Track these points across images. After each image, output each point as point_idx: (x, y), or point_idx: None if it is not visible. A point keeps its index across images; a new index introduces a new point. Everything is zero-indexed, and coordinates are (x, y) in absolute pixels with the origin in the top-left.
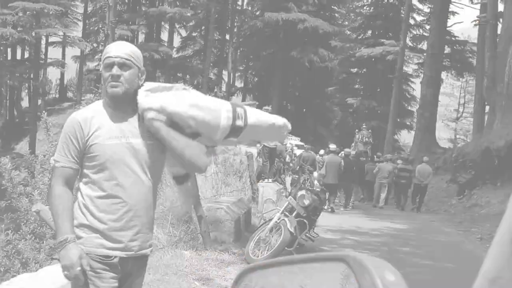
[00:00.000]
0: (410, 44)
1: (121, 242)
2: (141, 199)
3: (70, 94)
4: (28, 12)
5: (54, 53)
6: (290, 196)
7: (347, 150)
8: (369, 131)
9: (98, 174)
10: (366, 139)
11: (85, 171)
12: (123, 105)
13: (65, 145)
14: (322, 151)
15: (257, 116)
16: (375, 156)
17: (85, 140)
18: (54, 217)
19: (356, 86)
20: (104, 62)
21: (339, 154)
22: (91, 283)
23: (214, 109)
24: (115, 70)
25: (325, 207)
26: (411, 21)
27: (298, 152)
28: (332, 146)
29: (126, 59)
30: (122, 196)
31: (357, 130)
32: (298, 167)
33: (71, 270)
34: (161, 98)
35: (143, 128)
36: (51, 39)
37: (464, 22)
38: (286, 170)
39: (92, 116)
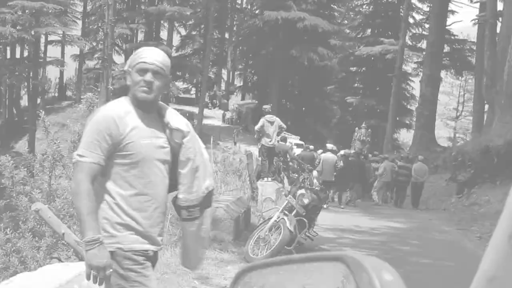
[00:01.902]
0: (409, 42)
1: (152, 238)
2: (164, 195)
3: (69, 93)
4: (27, 11)
5: (53, 51)
6: (289, 195)
7: (347, 151)
8: (368, 130)
9: (130, 172)
10: (364, 137)
11: (116, 168)
12: (150, 108)
13: (96, 141)
14: (320, 151)
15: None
16: (370, 155)
17: (121, 138)
18: (82, 214)
19: (356, 84)
20: (138, 66)
21: (337, 154)
22: (137, 276)
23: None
24: (149, 76)
25: (325, 206)
26: (411, 20)
27: (297, 151)
28: (329, 145)
29: (161, 67)
30: (152, 193)
31: (356, 128)
32: (297, 166)
33: (102, 272)
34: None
35: (164, 129)
36: (50, 38)
37: (463, 21)
38: (287, 169)
39: (125, 114)
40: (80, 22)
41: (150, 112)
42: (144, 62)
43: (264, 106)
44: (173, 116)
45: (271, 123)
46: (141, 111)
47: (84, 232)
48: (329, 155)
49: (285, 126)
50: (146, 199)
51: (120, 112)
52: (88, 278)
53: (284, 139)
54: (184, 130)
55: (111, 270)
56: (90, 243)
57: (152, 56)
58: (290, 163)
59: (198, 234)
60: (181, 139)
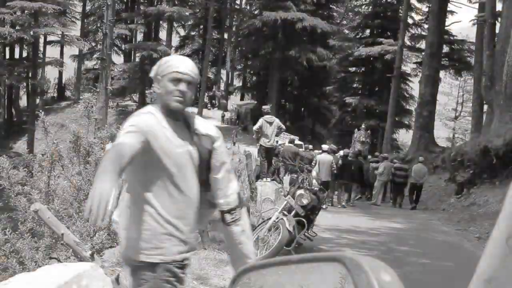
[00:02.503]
0: (408, 43)
1: (191, 243)
2: (198, 201)
3: (68, 93)
4: (26, 11)
5: (52, 52)
6: (288, 195)
7: (346, 150)
8: (368, 131)
9: (167, 181)
10: (363, 138)
11: (154, 179)
12: (178, 116)
13: (133, 127)
14: (316, 151)
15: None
16: (370, 156)
17: (156, 147)
18: (99, 173)
19: (355, 85)
20: (171, 75)
21: (336, 154)
22: None
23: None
24: (183, 87)
25: (324, 207)
26: (410, 20)
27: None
28: (325, 146)
29: (193, 77)
30: (188, 200)
31: (356, 130)
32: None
33: (103, 203)
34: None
35: (192, 136)
36: (49, 38)
37: (462, 21)
38: (294, 170)
39: (159, 122)
40: (79, 23)
41: (179, 120)
42: (179, 72)
43: (264, 107)
44: (201, 123)
45: (270, 123)
46: (170, 119)
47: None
48: (325, 156)
49: (284, 127)
50: (184, 206)
51: (154, 121)
52: (86, 213)
53: (292, 141)
54: (214, 135)
55: (109, 208)
56: (97, 180)
57: (185, 65)
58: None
59: (245, 233)
60: (210, 144)
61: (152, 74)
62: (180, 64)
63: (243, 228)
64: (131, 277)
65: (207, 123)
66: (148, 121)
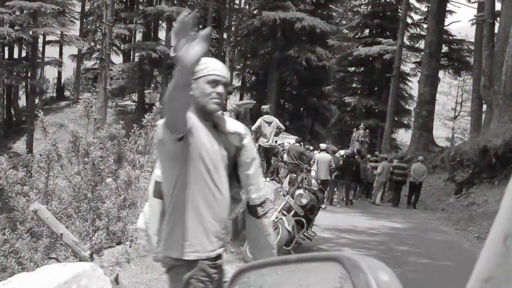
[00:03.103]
0: (407, 43)
1: (224, 240)
2: (228, 198)
3: (67, 93)
4: (25, 11)
5: (51, 52)
6: (287, 195)
7: (347, 151)
8: (366, 130)
9: (204, 179)
10: (362, 138)
11: (192, 178)
12: (209, 116)
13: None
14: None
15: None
16: (369, 156)
17: (195, 142)
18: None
19: (354, 85)
20: (208, 77)
21: (336, 154)
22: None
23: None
24: (221, 89)
25: (323, 206)
26: (409, 20)
27: None
28: (323, 145)
29: (227, 80)
30: (222, 198)
31: (355, 129)
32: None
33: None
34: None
35: (221, 135)
36: (48, 38)
37: (461, 21)
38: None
39: (195, 123)
40: (78, 22)
41: (208, 120)
42: (216, 75)
43: (263, 107)
44: (229, 121)
45: (269, 123)
46: (203, 119)
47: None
48: (323, 154)
49: (283, 127)
50: (219, 203)
51: (195, 119)
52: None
53: (299, 141)
54: (242, 133)
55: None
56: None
57: (221, 68)
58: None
59: (270, 226)
60: (239, 141)
61: None
62: (217, 67)
63: (270, 220)
64: (168, 277)
65: (235, 122)
66: (192, 117)
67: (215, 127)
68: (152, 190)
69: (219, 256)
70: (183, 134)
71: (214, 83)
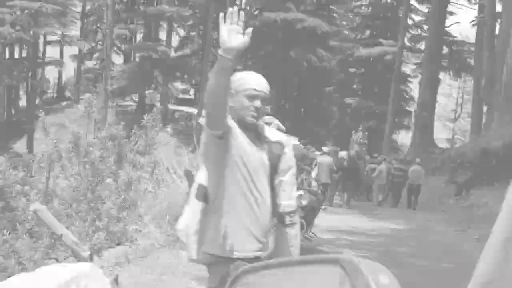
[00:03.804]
0: (408, 44)
1: (265, 244)
2: (269, 203)
3: (68, 93)
4: (26, 11)
5: (52, 52)
6: None
7: (351, 152)
8: (365, 133)
9: (244, 181)
10: (361, 140)
11: (232, 180)
12: (251, 126)
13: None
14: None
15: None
16: (368, 157)
17: (234, 144)
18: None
19: (354, 86)
20: (247, 92)
21: (342, 156)
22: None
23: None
24: (258, 103)
25: (323, 207)
26: (409, 21)
27: None
28: (325, 148)
29: (266, 94)
30: (262, 201)
31: (354, 131)
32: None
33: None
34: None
35: (263, 144)
36: (49, 38)
37: (462, 23)
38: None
39: (236, 129)
40: (79, 23)
41: (251, 129)
42: (255, 89)
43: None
44: (270, 131)
45: (269, 124)
46: (244, 129)
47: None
48: (325, 157)
49: (284, 128)
50: (258, 206)
51: (235, 124)
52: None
53: (304, 144)
54: (283, 142)
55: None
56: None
57: (260, 83)
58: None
59: (297, 237)
60: (281, 150)
61: None
62: (256, 82)
63: (297, 232)
64: (208, 274)
65: (276, 131)
66: (233, 124)
67: (258, 136)
68: (195, 193)
69: (257, 258)
70: (223, 133)
71: (252, 97)
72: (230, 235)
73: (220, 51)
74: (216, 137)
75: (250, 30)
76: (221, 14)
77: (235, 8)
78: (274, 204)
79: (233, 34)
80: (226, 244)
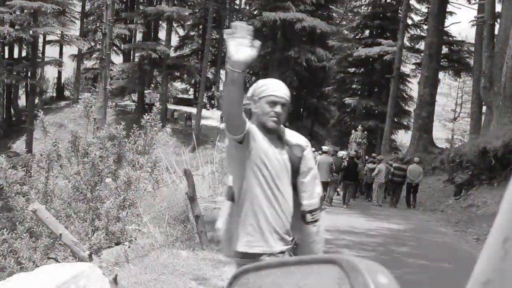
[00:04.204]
0: (407, 44)
1: (287, 240)
2: (291, 203)
3: (67, 93)
4: (25, 11)
5: (52, 51)
6: None
7: (351, 152)
8: (364, 132)
9: (268, 183)
10: (360, 139)
11: (257, 181)
12: (272, 131)
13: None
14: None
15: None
16: (367, 157)
17: (257, 147)
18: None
19: (354, 86)
20: (268, 98)
21: (341, 156)
22: None
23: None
24: (279, 108)
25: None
26: (409, 21)
27: None
28: (324, 148)
29: (287, 100)
30: (284, 201)
31: (353, 131)
32: None
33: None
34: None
35: (284, 147)
36: (48, 38)
37: (461, 23)
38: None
39: (257, 133)
40: (78, 22)
41: (272, 133)
42: (275, 96)
43: None
44: (291, 134)
45: None
46: (265, 133)
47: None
48: (324, 157)
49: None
50: (281, 206)
51: (256, 128)
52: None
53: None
54: (303, 145)
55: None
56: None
57: (281, 90)
58: None
59: (319, 234)
60: (301, 152)
61: (248, 94)
62: (277, 88)
63: (319, 229)
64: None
65: (296, 134)
66: (255, 128)
67: (280, 140)
68: (225, 193)
69: (282, 253)
70: (243, 136)
71: (273, 103)
72: (255, 232)
73: (228, 65)
74: (236, 141)
75: (258, 43)
76: (228, 30)
77: (242, 22)
78: (296, 204)
79: (240, 47)
80: (252, 241)
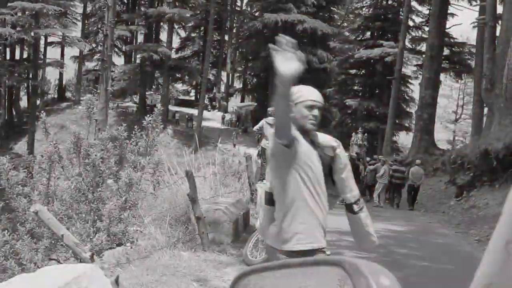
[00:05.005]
0: (409, 45)
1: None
2: (326, 198)
3: (68, 94)
4: (27, 12)
5: (53, 53)
6: None
7: (352, 154)
8: (365, 134)
9: (311, 182)
10: (360, 141)
11: (303, 181)
12: (309, 134)
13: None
14: None
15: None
16: (368, 158)
17: (301, 151)
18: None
19: (355, 87)
20: (306, 102)
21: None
22: None
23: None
24: (316, 112)
25: None
26: (410, 23)
27: None
28: None
29: (322, 104)
30: (323, 197)
31: (353, 133)
32: None
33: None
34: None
35: (316, 148)
36: (50, 39)
37: (463, 24)
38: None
39: (299, 137)
40: (80, 24)
41: (307, 136)
42: (313, 100)
43: (269, 108)
44: (322, 136)
45: (271, 125)
46: (303, 135)
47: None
48: None
49: None
50: (324, 203)
51: (298, 136)
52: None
53: None
54: (334, 145)
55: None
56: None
57: (316, 94)
58: None
59: (368, 217)
60: (333, 152)
61: None
62: (313, 93)
63: (366, 213)
64: None
65: (326, 136)
66: (297, 133)
67: (312, 142)
68: (263, 198)
69: (325, 247)
70: (290, 142)
71: (311, 107)
72: (307, 231)
73: (276, 80)
74: (283, 145)
75: (302, 55)
76: (273, 46)
77: (286, 36)
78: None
79: (287, 62)
80: (304, 239)
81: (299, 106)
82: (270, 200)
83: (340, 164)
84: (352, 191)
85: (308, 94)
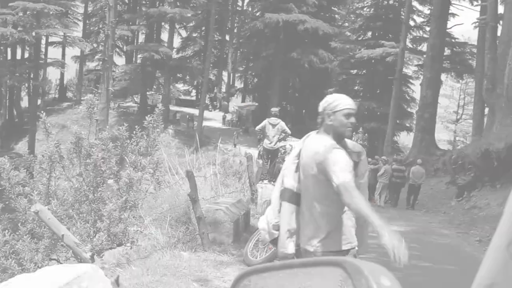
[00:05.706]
0: (410, 45)
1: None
2: None
3: (69, 94)
4: (28, 12)
5: (54, 53)
6: None
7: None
8: (365, 134)
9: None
10: (361, 141)
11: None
12: (341, 141)
13: (347, 167)
14: None
15: None
16: (369, 159)
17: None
18: (369, 215)
19: (356, 87)
20: (344, 111)
21: None
22: None
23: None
24: (353, 119)
25: None
26: (411, 23)
27: None
28: None
29: (356, 111)
30: None
31: (354, 133)
32: None
33: (400, 247)
34: None
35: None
36: (51, 39)
37: (464, 24)
38: None
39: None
40: (81, 24)
41: (342, 143)
42: (351, 109)
43: (272, 109)
44: (350, 142)
45: (273, 125)
46: (339, 144)
47: (374, 222)
48: None
49: (289, 131)
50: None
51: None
52: (393, 257)
53: None
54: (360, 151)
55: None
56: (384, 227)
57: (352, 103)
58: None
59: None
60: (358, 158)
61: (320, 109)
62: (349, 102)
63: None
64: None
65: (353, 142)
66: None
67: (344, 148)
68: (279, 195)
69: (357, 246)
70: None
71: (348, 115)
72: (346, 232)
73: (377, 225)
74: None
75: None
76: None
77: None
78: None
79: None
80: (343, 239)
81: (338, 115)
82: (295, 199)
83: (363, 169)
84: (366, 196)
85: (345, 102)
